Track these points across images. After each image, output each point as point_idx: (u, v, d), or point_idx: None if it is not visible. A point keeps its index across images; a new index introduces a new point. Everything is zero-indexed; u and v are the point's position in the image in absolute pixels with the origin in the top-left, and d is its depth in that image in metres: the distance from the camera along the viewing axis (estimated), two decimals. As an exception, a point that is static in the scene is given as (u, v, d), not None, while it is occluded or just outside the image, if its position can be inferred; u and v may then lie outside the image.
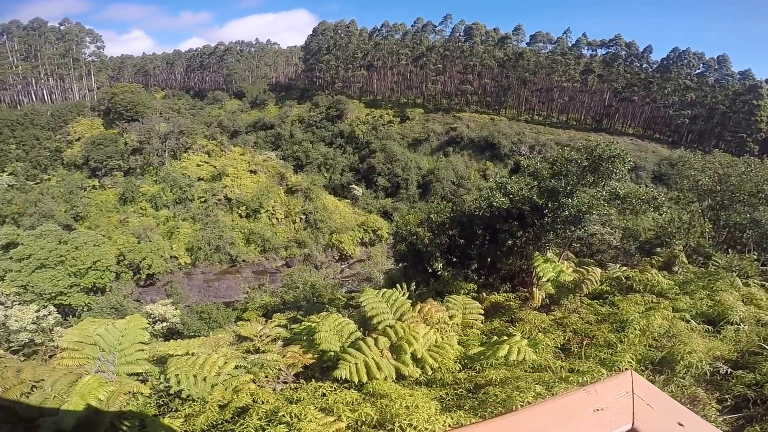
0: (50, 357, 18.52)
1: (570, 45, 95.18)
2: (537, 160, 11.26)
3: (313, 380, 5.29)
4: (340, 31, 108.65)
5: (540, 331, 7.16)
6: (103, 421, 4.16)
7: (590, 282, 8.78)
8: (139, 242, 49.89)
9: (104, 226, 53.60)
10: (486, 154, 74.10)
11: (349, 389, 4.81)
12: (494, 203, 10.72)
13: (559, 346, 6.58)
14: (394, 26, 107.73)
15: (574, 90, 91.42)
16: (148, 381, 5.26)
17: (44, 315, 23.13)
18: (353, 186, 70.55)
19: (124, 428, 4.16)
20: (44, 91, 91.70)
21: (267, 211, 60.78)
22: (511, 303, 9.18)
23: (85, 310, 37.16)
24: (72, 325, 25.12)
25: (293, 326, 9.01)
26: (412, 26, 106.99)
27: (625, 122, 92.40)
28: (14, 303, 27.07)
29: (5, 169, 62.54)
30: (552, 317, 7.96)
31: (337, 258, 57.73)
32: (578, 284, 8.86)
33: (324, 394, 4.65)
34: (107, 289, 41.16)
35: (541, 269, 9.18)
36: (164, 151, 63.44)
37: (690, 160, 16.43)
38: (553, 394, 4.26)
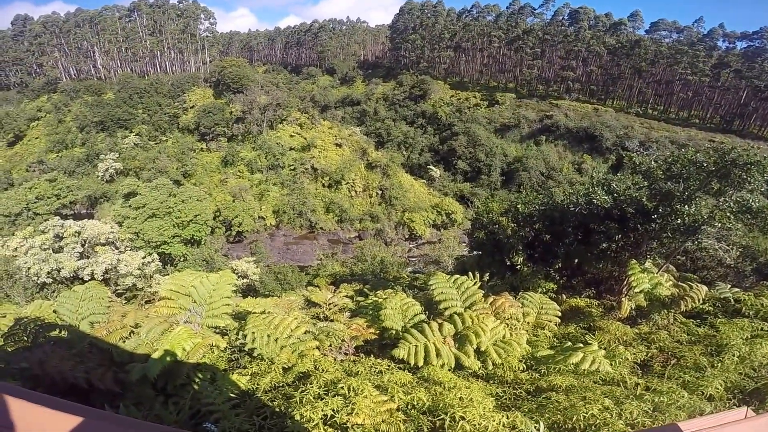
0: (146, 302, 20.81)
1: (702, 35, 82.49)
2: (652, 158, 10.07)
3: (371, 356, 5.32)
4: (426, 11, 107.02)
5: (621, 344, 6.71)
6: (182, 371, 4.33)
7: (691, 300, 7.94)
8: (233, 201, 54.80)
9: (207, 184, 59.72)
10: (584, 146, 68.41)
11: (403, 370, 4.77)
12: (594, 200, 9.74)
13: (639, 362, 6.17)
14: (486, 7, 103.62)
15: (701, 84, 79.89)
16: (226, 335, 5.43)
17: (148, 262, 24.93)
18: (431, 167, 69.71)
19: (197, 380, 4.29)
20: (167, 63, 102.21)
21: (347, 183, 62.79)
22: (593, 310, 8.65)
23: (181, 260, 39.99)
24: (168, 274, 27.91)
25: (359, 298, 9.20)
26: (507, 8, 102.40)
27: (763, 125, 78.36)
28: (126, 248, 30.52)
29: (133, 130, 72.13)
30: (636, 331, 7.40)
31: (407, 237, 57.96)
32: (676, 300, 8.03)
33: (380, 372, 4.65)
34: (202, 242, 44.68)
35: (636, 279, 8.40)
36: (263, 121, 68.06)
37: None
38: (622, 410, 3.97)
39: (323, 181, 62.86)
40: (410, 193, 63.14)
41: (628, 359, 6.02)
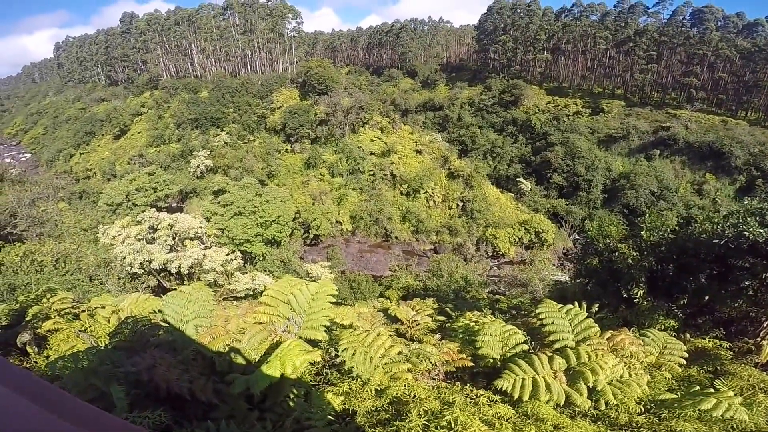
0: (224, 299, 20.89)
1: None
2: None
3: (466, 384, 5.23)
4: (519, 10, 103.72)
5: (759, 391, 6.38)
6: (284, 388, 4.22)
7: None
8: (313, 203, 56.24)
9: (289, 185, 62.54)
10: (707, 164, 61.57)
11: (503, 403, 4.64)
12: (745, 233, 8.87)
13: (775, 412, 5.88)
14: (589, 6, 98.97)
15: None
16: (321, 350, 5.37)
17: (231, 259, 26.19)
18: (521, 179, 66.37)
19: (292, 395, 4.22)
20: (257, 62, 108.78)
21: (426, 192, 62.19)
22: (722, 352, 8.17)
23: (260, 259, 41.77)
24: (247, 272, 28.62)
25: (439, 318, 9.28)
26: (614, 7, 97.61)
27: None
28: (212, 244, 31.97)
29: (224, 129, 77.75)
30: (773, 378, 7.10)
31: (489, 254, 55.62)
32: (826, 349, 7.58)
33: (476, 404, 4.54)
34: (282, 243, 46.48)
35: (780, 323, 7.93)
36: (345, 124, 70.01)
37: None
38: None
39: (401, 189, 62.99)
40: (495, 207, 60.81)
41: (766, 407, 5.69)
